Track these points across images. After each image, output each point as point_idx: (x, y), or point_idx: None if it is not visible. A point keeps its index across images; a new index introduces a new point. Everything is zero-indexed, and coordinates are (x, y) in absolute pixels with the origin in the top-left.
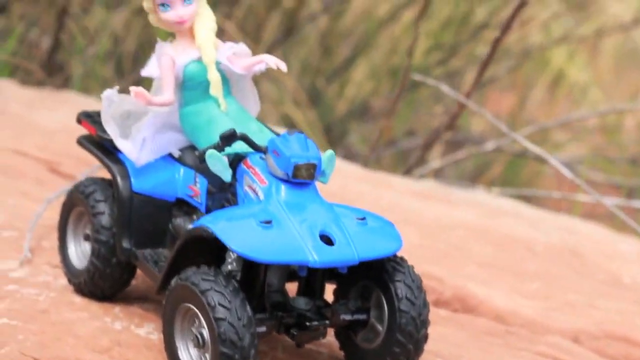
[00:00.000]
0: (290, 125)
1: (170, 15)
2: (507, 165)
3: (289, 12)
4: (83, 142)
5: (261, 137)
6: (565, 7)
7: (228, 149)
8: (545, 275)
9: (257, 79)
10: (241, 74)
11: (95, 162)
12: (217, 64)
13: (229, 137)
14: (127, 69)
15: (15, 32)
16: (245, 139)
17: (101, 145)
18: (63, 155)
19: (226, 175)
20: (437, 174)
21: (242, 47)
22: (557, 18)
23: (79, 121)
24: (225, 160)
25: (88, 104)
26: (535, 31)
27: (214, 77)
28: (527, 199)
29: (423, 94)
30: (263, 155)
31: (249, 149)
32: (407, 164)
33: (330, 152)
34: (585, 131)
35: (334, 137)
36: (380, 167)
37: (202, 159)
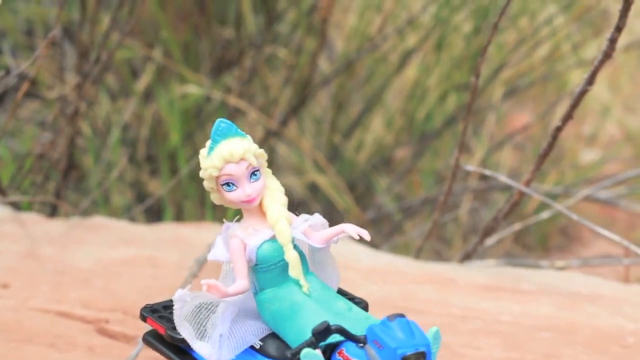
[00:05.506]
0: (314, 190)
1: (237, 194)
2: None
3: (302, 81)
4: (150, 341)
5: (351, 317)
6: (588, 33)
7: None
8: None
9: (272, 145)
10: (320, 247)
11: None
12: (293, 240)
13: (323, 333)
14: (141, 155)
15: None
16: (341, 331)
17: (171, 344)
18: (108, 310)
19: None
20: (472, 213)
21: (318, 218)
22: (582, 45)
23: (143, 319)
24: (322, 358)
25: (118, 228)
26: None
27: (292, 257)
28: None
29: (447, 143)
30: (360, 344)
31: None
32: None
33: (434, 329)
34: (614, 145)
35: (360, 194)
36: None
37: None
